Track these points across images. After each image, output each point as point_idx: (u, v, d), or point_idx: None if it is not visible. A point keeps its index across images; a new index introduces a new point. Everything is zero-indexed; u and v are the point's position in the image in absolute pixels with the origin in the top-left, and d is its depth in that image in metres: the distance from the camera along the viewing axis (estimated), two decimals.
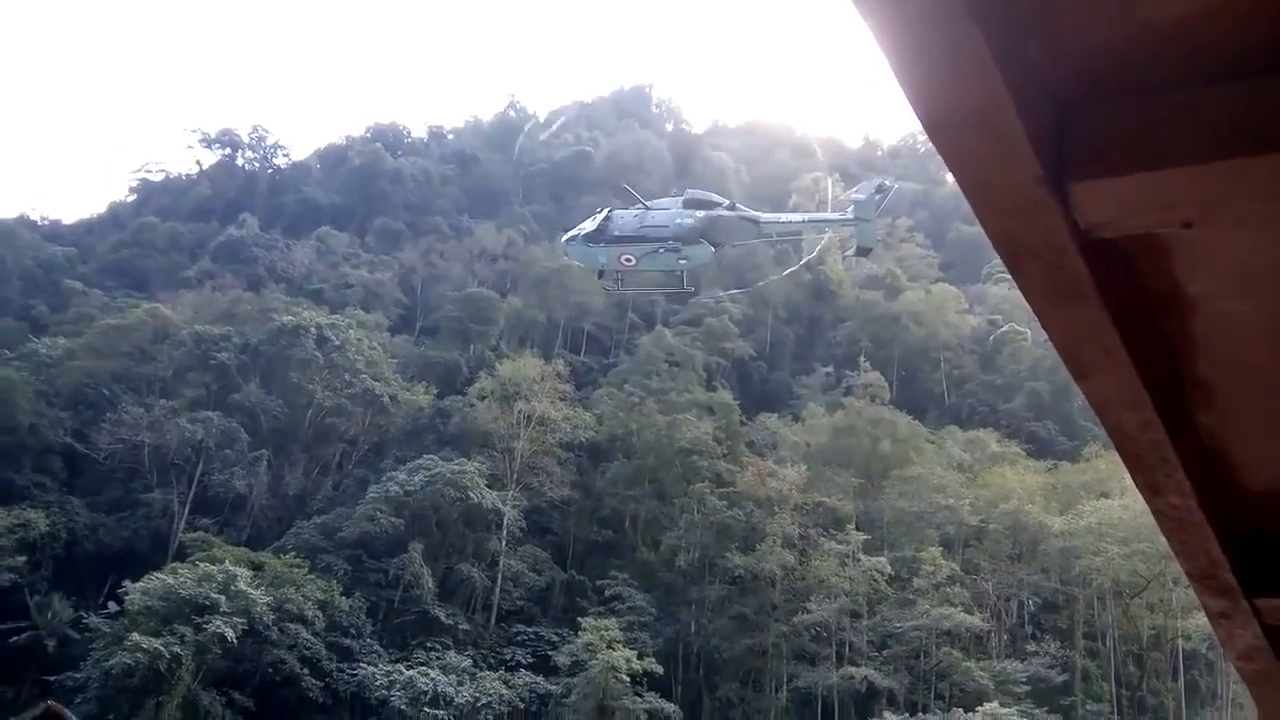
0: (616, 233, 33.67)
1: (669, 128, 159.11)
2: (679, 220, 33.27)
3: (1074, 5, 1.51)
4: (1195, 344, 2.10)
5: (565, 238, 36.33)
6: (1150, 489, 2.37)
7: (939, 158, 1.59)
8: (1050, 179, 1.56)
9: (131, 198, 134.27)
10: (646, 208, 34.40)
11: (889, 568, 59.41)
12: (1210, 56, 1.52)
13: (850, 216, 32.68)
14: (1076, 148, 1.59)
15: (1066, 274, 1.72)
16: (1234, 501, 2.63)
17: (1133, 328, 1.88)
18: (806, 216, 37.56)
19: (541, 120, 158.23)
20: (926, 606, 56.33)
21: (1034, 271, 1.75)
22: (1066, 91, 1.59)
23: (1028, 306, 1.88)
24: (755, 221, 34.55)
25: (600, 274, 36.21)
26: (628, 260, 33.78)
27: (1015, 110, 1.45)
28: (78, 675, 51.21)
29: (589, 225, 34.48)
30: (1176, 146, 1.53)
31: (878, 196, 32.51)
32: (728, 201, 35.52)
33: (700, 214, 33.41)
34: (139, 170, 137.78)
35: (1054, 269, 1.72)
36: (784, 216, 37.69)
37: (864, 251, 37.82)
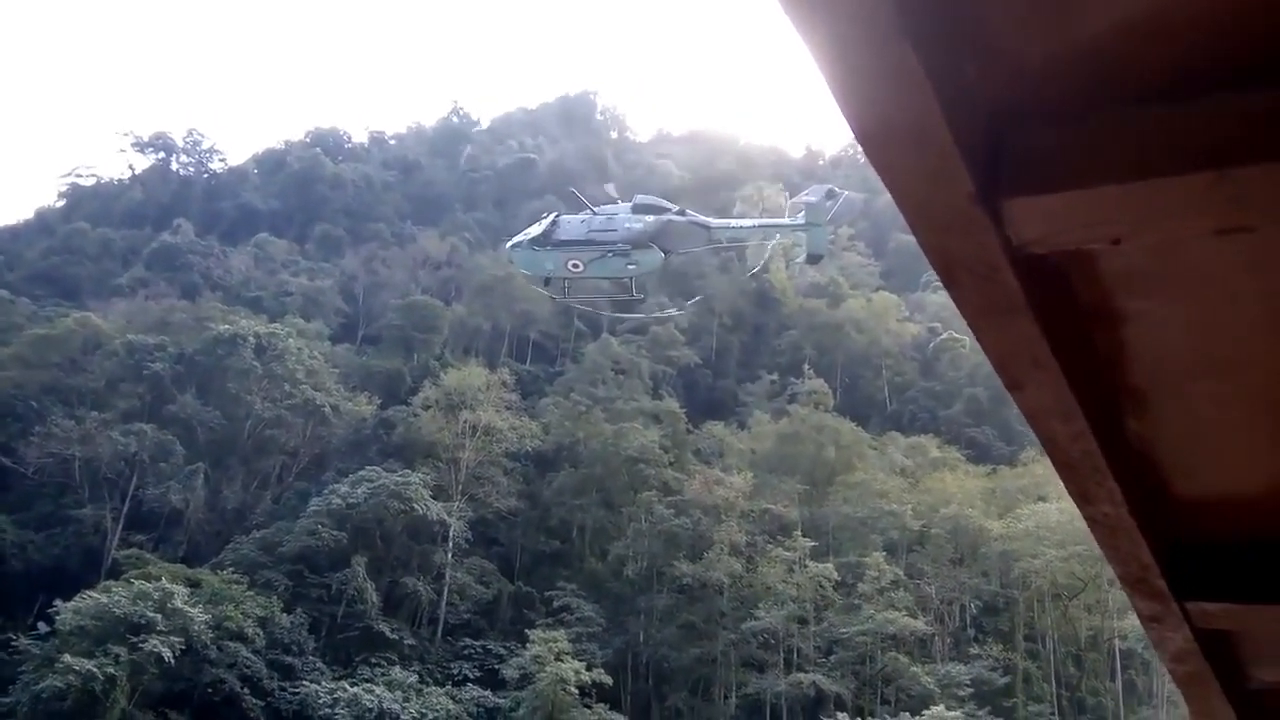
0: (564, 237, 33.00)
1: (614, 135, 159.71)
2: (628, 225, 32.72)
3: (1008, 25, 1.53)
4: (1126, 354, 2.15)
5: (510, 243, 35.64)
6: (1083, 497, 2.42)
7: None
8: (983, 196, 1.58)
9: (61, 203, 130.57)
10: (594, 213, 33.93)
11: (835, 574, 60.02)
12: (1140, 78, 1.56)
13: (801, 222, 32.50)
14: (1009, 165, 1.61)
15: (999, 288, 1.75)
16: (1165, 508, 2.69)
17: (1065, 339, 1.91)
18: (757, 222, 37.39)
19: (485, 126, 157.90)
20: (871, 611, 57.04)
21: (968, 285, 1.78)
22: (1000, 110, 1.61)
23: None
24: (706, 227, 34.23)
25: (547, 282, 35.49)
26: (575, 266, 33.12)
27: (949, 128, 1.46)
28: (6, 700, 49.26)
29: (535, 230, 33.87)
30: (1106, 165, 1.55)
31: (829, 203, 32.12)
32: (677, 207, 35.21)
33: (650, 219, 32.91)
34: (68, 175, 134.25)
35: (987, 283, 1.75)
36: (735, 222, 37.55)
37: (815, 259, 37.54)
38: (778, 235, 36.41)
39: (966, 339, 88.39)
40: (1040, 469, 59.90)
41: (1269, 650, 3.42)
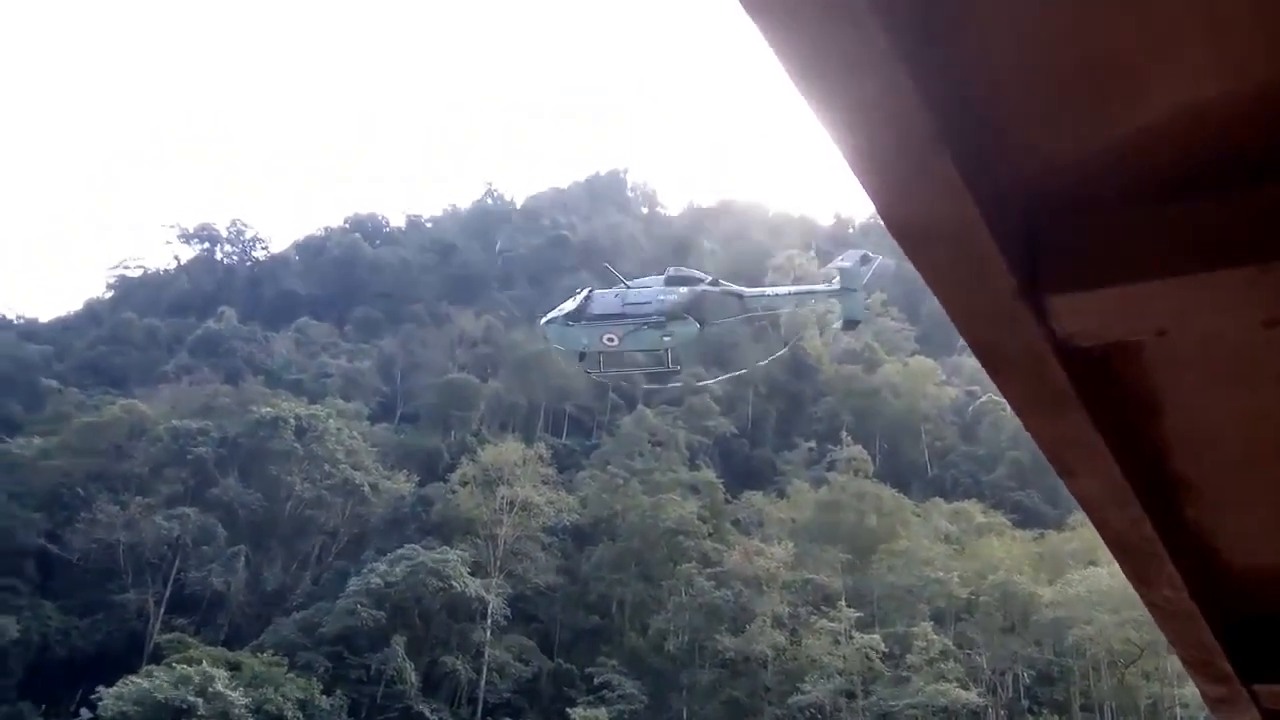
0: (597, 312, 32.86)
1: (644, 211, 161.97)
2: (662, 297, 32.49)
3: (1040, 125, 1.56)
4: (1177, 443, 2.13)
5: (545, 320, 35.66)
6: (1142, 582, 2.39)
7: None
8: (1025, 291, 1.61)
9: (109, 294, 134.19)
10: (628, 286, 33.98)
11: (882, 645, 58.50)
12: (1175, 171, 1.58)
13: (836, 288, 32.16)
14: (1049, 261, 1.64)
15: (1046, 381, 1.76)
16: (1226, 589, 2.64)
17: (1115, 429, 1.91)
18: (792, 290, 37.08)
19: (519, 206, 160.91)
20: (921, 684, 55.31)
21: (1014, 379, 1.79)
22: (1036, 207, 1.64)
23: None
24: (740, 296, 34.06)
25: (581, 357, 35.46)
26: (610, 340, 33.01)
27: (987, 228, 1.49)
28: None
29: (569, 305, 33.91)
30: (1146, 259, 1.57)
31: (863, 268, 31.56)
32: (711, 277, 35.13)
33: (684, 290, 32.62)
34: (116, 267, 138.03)
35: (1034, 377, 1.76)
36: (769, 290, 37.30)
37: (851, 324, 36.94)
38: (813, 301, 36.13)
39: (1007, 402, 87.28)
40: (1089, 532, 57.86)
41: None
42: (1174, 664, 51.61)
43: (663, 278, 34.54)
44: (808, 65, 1.24)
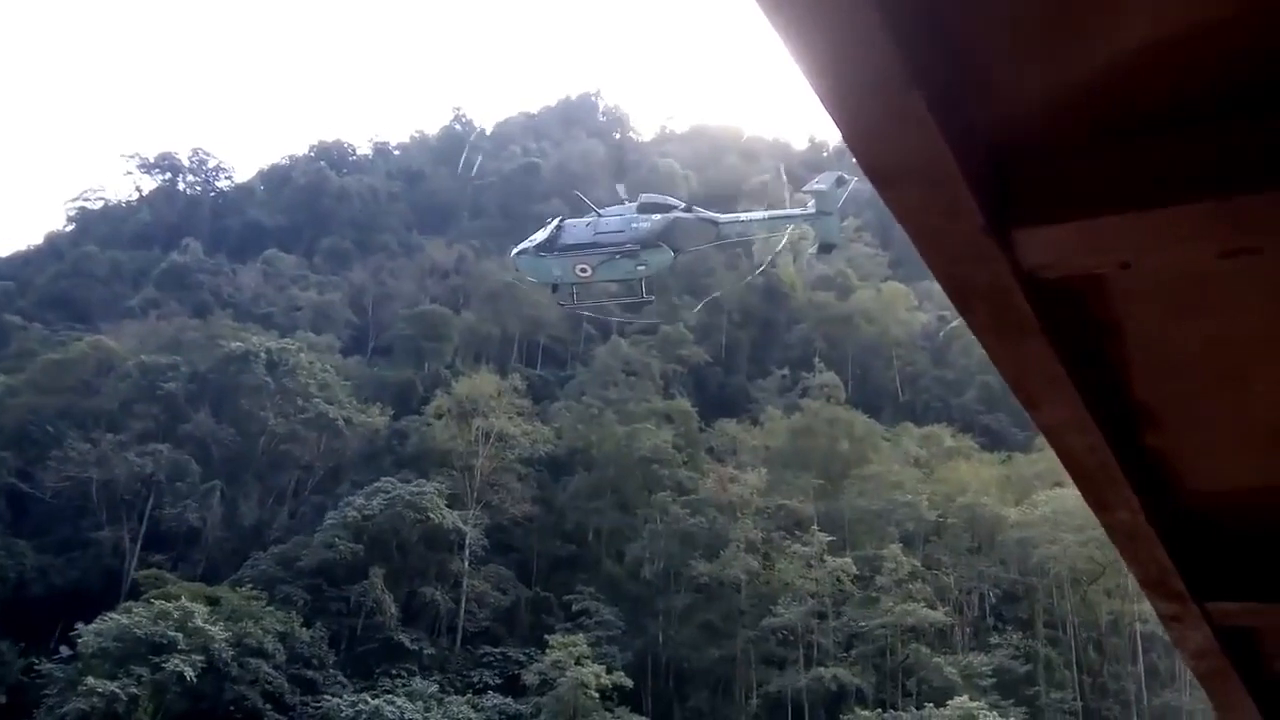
0: (570, 242, 32.54)
1: (616, 136, 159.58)
2: (635, 225, 32.21)
3: (1006, 64, 1.57)
4: (1138, 371, 2.19)
5: (516, 251, 35.14)
6: (1100, 506, 2.47)
7: None
8: (993, 227, 1.63)
9: (69, 227, 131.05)
10: (600, 215, 33.45)
11: (853, 567, 59.94)
12: (1137, 109, 1.60)
13: (812, 211, 31.72)
14: (1016, 196, 1.66)
15: (1012, 313, 1.80)
16: (1182, 511, 2.74)
17: (1077, 358, 1.96)
18: (767, 214, 36.52)
19: (488, 132, 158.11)
20: (890, 604, 56.93)
21: (981, 311, 1.83)
22: (1005, 144, 1.66)
23: None
24: (714, 223, 33.60)
25: (555, 288, 34.99)
26: (583, 270, 32.58)
27: (957, 165, 1.51)
28: None
29: (540, 236, 33.38)
30: (1111, 194, 1.60)
31: (839, 190, 31.12)
32: (684, 204, 34.61)
33: (657, 217, 32.36)
34: (76, 199, 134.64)
35: (1000, 309, 1.80)
36: (744, 216, 36.84)
37: (827, 248, 36.56)
38: (790, 226, 35.74)
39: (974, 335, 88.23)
40: (1055, 454, 59.66)
41: None
42: (1134, 581, 53.39)
43: (635, 205, 34.05)
44: (781, 5, 1.26)
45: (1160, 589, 2.86)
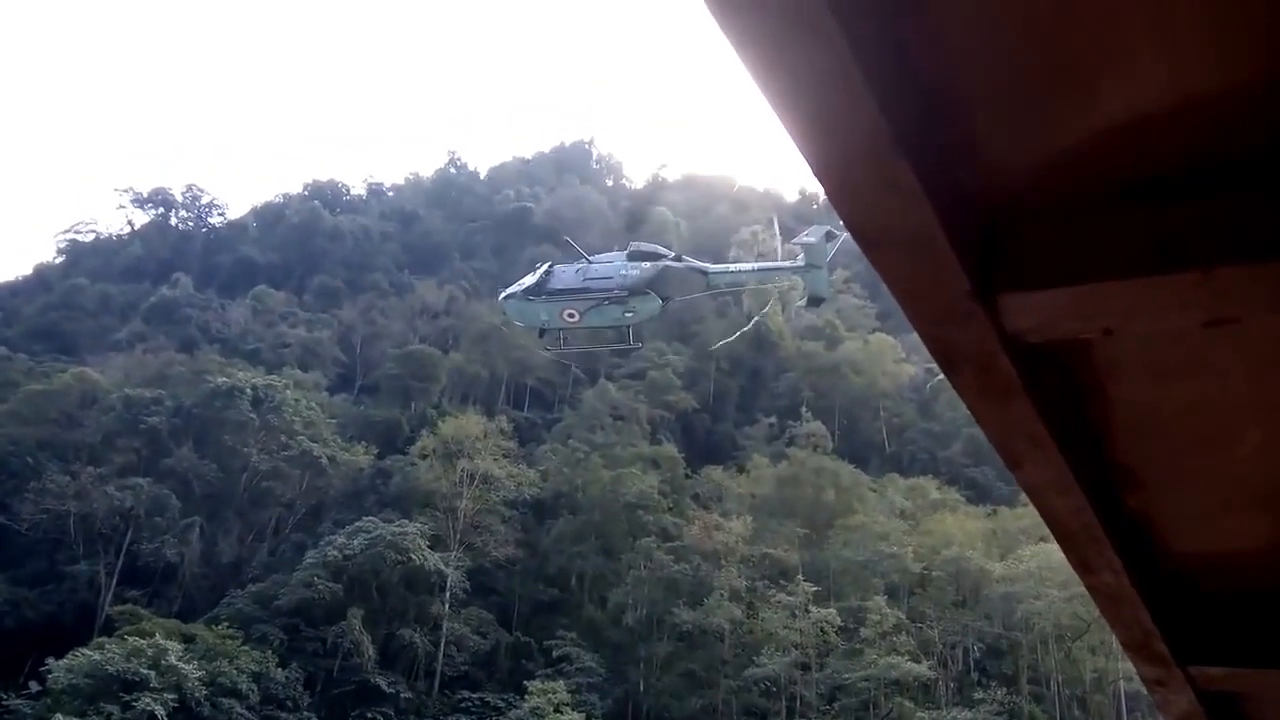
0: (558, 287, 32.45)
1: (609, 183, 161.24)
2: (624, 272, 32.14)
3: (998, 131, 1.61)
4: (1120, 433, 2.21)
5: (504, 294, 35.04)
6: (1083, 567, 2.47)
7: None
8: (978, 291, 1.66)
9: (60, 259, 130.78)
10: (589, 261, 33.49)
11: (838, 618, 59.45)
12: (1122, 180, 1.64)
13: (801, 264, 31.83)
14: (1002, 261, 1.69)
15: (996, 375, 1.82)
16: (1164, 573, 2.74)
17: (1061, 420, 1.98)
18: (756, 266, 36.66)
19: (482, 176, 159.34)
20: (874, 656, 56.36)
21: (966, 373, 1.85)
22: (992, 208, 1.69)
23: None
24: (704, 272, 33.63)
25: (541, 333, 34.75)
26: (571, 316, 32.48)
27: (943, 230, 1.54)
28: None
29: (529, 280, 33.31)
30: (1096, 261, 1.63)
31: (828, 244, 31.16)
32: (674, 252, 34.70)
33: (646, 265, 32.28)
34: (67, 231, 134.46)
35: (984, 371, 1.82)
36: (733, 266, 36.95)
37: (816, 301, 36.49)
38: (778, 279, 35.79)
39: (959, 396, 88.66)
40: None
41: (1273, 712, 3.44)
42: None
43: (625, 252, 34.13)
44: (769, 71, 1.25)
45: (1143, 652, 2.86)
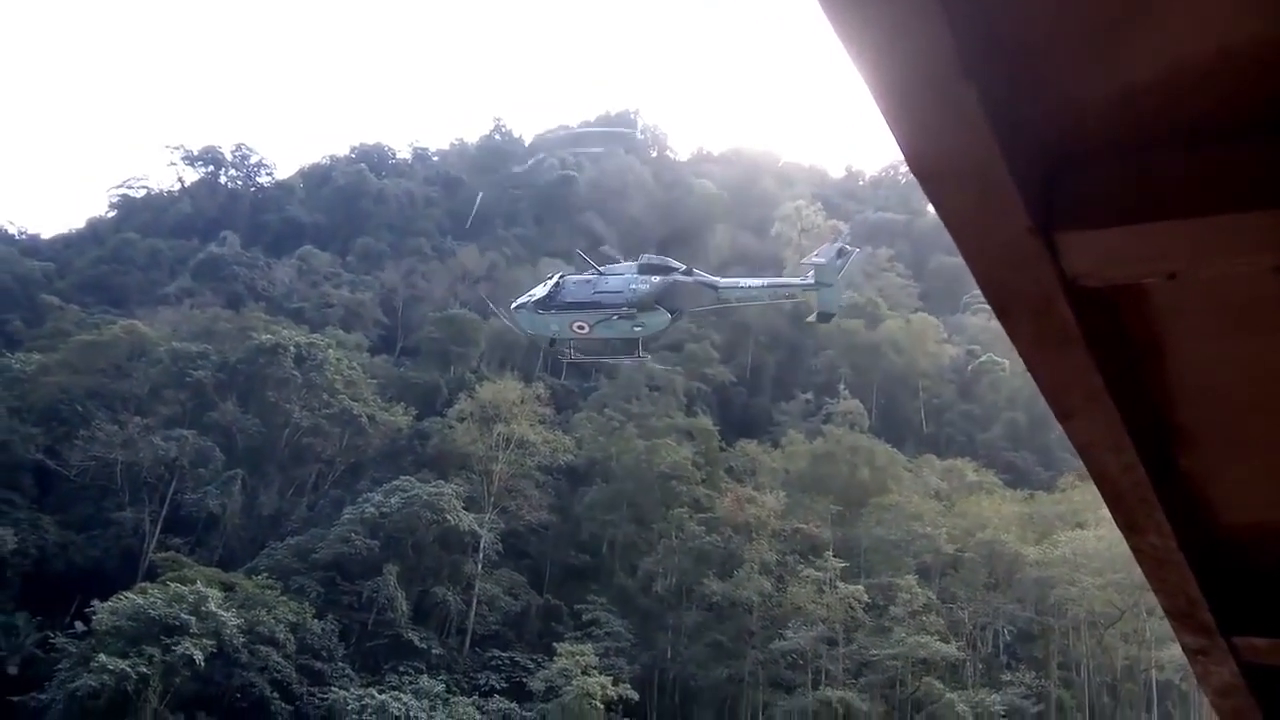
0: (569, 299, 33.13)
1: (654, 154, 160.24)
2: (634, 286, 32.73)
3: (1064, 67, 1.56)
4: (1177, 391, 2.16)
5: (515, 305, 35.73)
6: (1130, 528, 2.43)
7: (920, 189, 1.64)
8: (1039, 230, 1.62)
9: (112, 214, 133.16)
10: (600, 273, 33.99)
11: (866, 595, 59.40)
12: (1194, 117, 1.58)
13: (811, 281, 32.20)
14: (1065, 201, 1.64)
15: (1053, 321, 1.78)
16: (1214, 541, 2.68)
17: (1117, 373, 1.93)
18: (766, 281, 37.05)
19: (527, 143, 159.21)
20: (903, 634, 56.30)
21: (1022, 318, 1.81)
22: (1056, 147, 1.64)
23: (1007, 337, 1.94)
24: (714, 287, 34.23)
25: (552, 342, 35.79)
26: (580, 328, 33.22)
27: (1006, 166, 1.50)
28: (42, 696, 50.19)
29: (540, 291, 33.98)
30: (1162, 202, 1.58)
31: (839, 261, 31.76)
32: (684, 266, 35.09)
33: (656, 279, 32.91)
34: (120, 186, 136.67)
35: (1041, 316, 1.78)
36: (743, 281, 37.28)
37: (826, 317, 37.09)
38: (789, 294, 36.06)
39: (1006, 362, 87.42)
40: (1079, 496, 58.95)
41: None
42: (1154, 627, 52.49)
43: (635, 264, 34.67)
44: None
45: (1187, 621, 2.81)
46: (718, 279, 35.36)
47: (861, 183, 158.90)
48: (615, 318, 32.42)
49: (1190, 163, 1.58)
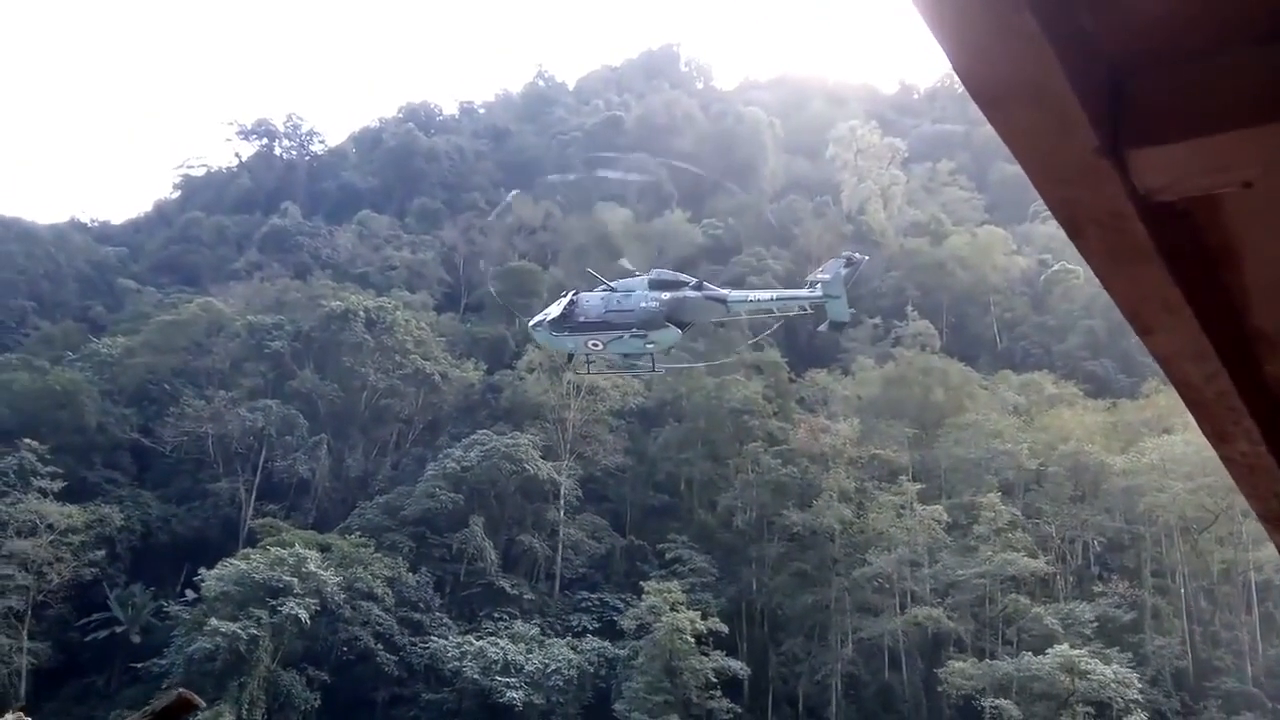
0: (582, 319, 34.36)
1: (699, 86, 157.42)
2: (644, 304, 33.75)
3: None
4: (1257, 297, 2.10)
5: (532, 323, 37.17)
6: (1218, 437, 2.39)
7: None
8: (1107, 147, 1.58)
9: (176, 194, 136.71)
10: (612, 289, 34.71)
11: (946, 515, 59.05)
12: (1258, 18, 1.53)
13: (820, 294, 32.41)
14: (1132, 115, 1.60)
15: (1127, 237, 1.75)
16: None
17: (1194, 284, 1.90)
18: (776, 294, 37.44)
19: (571, 88, 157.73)
20: (989, 553, 55.96)
21: (1094, 236, 1.78)
22: (1119, 60, 1.60)
23: None
24: (723, 300, 34.82)
25: (570, 357, 37.69)
26: (595, 345, 34.61)
27: (1069, 82, 1.47)
28: (162, 661, 53.19)
29: (555, 310, 35.30)
30: (1231, 109, 1.53)
31: (845, 271, 32.17)
32: (695, 280, 35.91)
33: (666, 296, 33.84)
34: (181, 166, 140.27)
35: (1114, 233, 1.75)
36: (752, 294, 37.52)
37: (836, 327, 37.96)
38: (798, 307, 36.12)
39: (1080, 269, 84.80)
40: (1164, 400, 57.42)
41: None
42: (1249, 529, 51.30)
43: (646, 279, 35.54)
44: None
45: None
46: (727, 292, 36.50)
47: (916, 96, 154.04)
48: (627, 336, 33.82)
49: (1255, 67, 1.52)
